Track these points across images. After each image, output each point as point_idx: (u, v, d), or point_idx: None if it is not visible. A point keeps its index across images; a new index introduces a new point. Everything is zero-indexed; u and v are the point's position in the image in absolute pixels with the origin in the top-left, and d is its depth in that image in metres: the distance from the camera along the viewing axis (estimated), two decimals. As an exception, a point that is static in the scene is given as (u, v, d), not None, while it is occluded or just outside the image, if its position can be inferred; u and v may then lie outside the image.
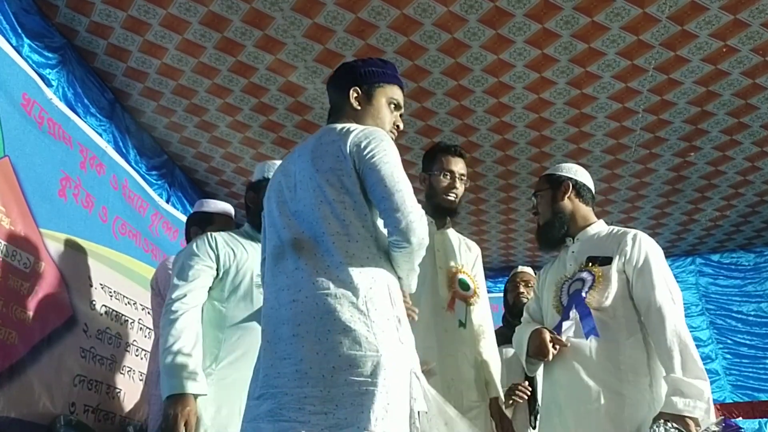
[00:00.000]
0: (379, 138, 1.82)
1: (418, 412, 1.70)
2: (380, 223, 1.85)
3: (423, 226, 1.78)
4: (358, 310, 1.68)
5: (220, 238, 2.48)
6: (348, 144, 1.80)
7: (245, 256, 2.45)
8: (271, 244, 1.87)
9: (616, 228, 2.43)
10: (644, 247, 2.27)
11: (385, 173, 1.78)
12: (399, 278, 1.86)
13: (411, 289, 1.95)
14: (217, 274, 2.40)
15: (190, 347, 2.20)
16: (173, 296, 2.32)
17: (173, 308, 2.28)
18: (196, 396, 2.15)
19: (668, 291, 2.19)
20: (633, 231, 2.35)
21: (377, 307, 1.71)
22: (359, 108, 1.97)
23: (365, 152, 1.79)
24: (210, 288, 2.39)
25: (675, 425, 1.94)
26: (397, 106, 2.04)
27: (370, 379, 1.61)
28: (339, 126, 1.89)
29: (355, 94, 1.97)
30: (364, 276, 1.74)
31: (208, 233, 2.52)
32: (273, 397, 1.66)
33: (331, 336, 1.65)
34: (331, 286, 1.71)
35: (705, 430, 1.96)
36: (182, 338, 2.21)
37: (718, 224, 6.39)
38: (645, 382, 2.13)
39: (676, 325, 2.11)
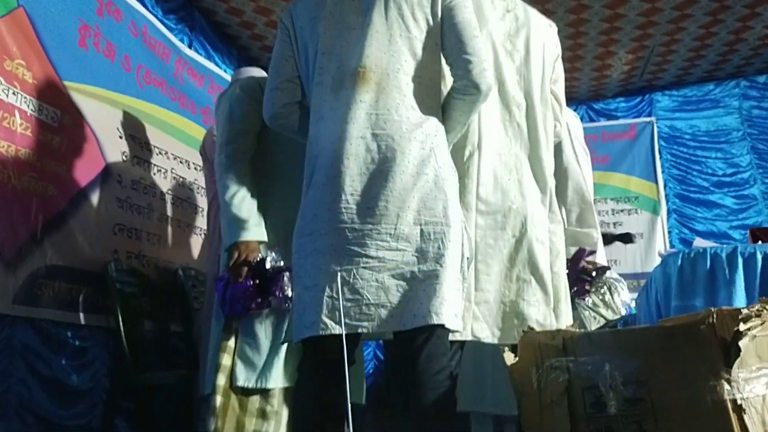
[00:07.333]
0: None
1: (467, 258, 1.77)
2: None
3: (492, 77, 1.78)
4: (427, 153, 1.70)
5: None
6: None
7: None
8: (329, 75, 1.79)
9: None
10: None
11: (466, 18, 1.77)
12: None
13: None
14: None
15: (251, 193, 2.21)
16: (225, 139, 2.29)
17: (228, 153, 2.27)
18: (260, 242, 2.18)
19: None
20: None
21: (443, 155, 1.74)
22: None
23: None
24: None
25: None
26: None
27: (443, 220, 1.66)
28: None
29: None
30: (432, 123, 1.75)
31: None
32: (335, 232, 1.65)
33: (404, 177, 1.66)
34: (402, 126, 1.70)
35: None
36: (245, 185, 2.22)
37: (767, 43, 6.04)
38: None
39: None
